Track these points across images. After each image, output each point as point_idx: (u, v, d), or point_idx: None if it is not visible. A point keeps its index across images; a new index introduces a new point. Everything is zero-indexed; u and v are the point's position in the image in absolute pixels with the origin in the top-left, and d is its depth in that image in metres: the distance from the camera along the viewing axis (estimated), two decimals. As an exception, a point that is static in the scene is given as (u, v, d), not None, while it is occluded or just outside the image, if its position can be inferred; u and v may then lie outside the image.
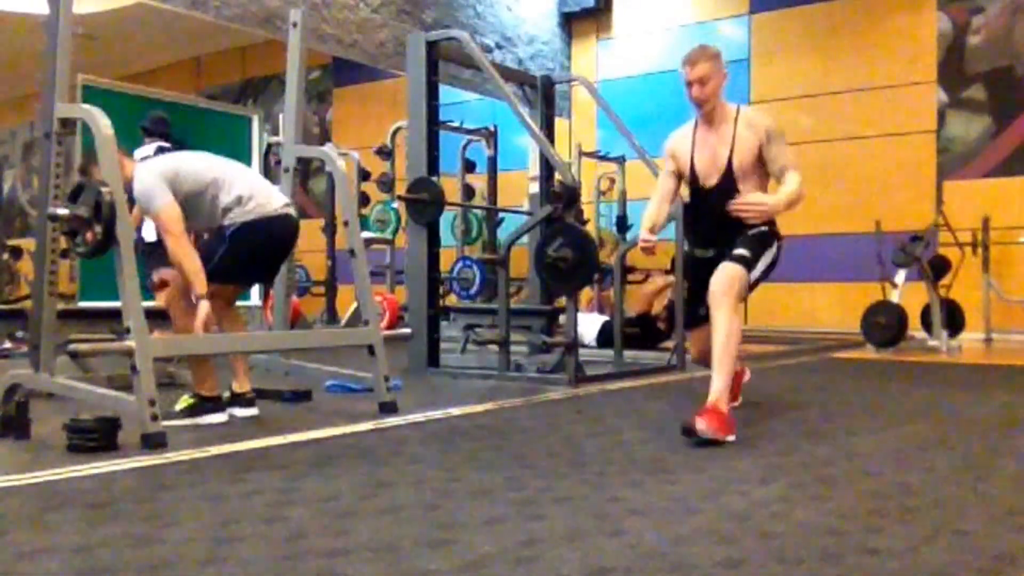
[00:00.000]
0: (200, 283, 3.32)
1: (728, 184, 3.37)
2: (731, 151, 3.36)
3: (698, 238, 3.68)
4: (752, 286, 3.37)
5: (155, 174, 3.38)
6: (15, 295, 10.98)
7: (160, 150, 5.71)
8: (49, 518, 2.02)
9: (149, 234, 5.09)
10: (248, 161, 7.48)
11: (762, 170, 3.41)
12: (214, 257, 3.48)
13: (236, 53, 13.65)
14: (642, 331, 6.43)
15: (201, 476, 2.46)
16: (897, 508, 2.11)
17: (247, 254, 3.53)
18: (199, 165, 3.53)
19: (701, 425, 2.85)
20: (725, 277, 3.18)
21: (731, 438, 2.94)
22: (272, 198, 3.59)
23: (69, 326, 4.39)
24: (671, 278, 6.66)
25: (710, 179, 3.43)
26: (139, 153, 5.72)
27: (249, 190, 3.52)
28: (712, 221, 3.46)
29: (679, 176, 3.58)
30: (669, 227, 5.83)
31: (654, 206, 3.61)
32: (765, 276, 3.42)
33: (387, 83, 11.30)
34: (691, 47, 3.41)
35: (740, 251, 3.26)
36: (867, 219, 8.24)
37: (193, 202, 3.44)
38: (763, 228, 3.38)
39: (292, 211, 3.66)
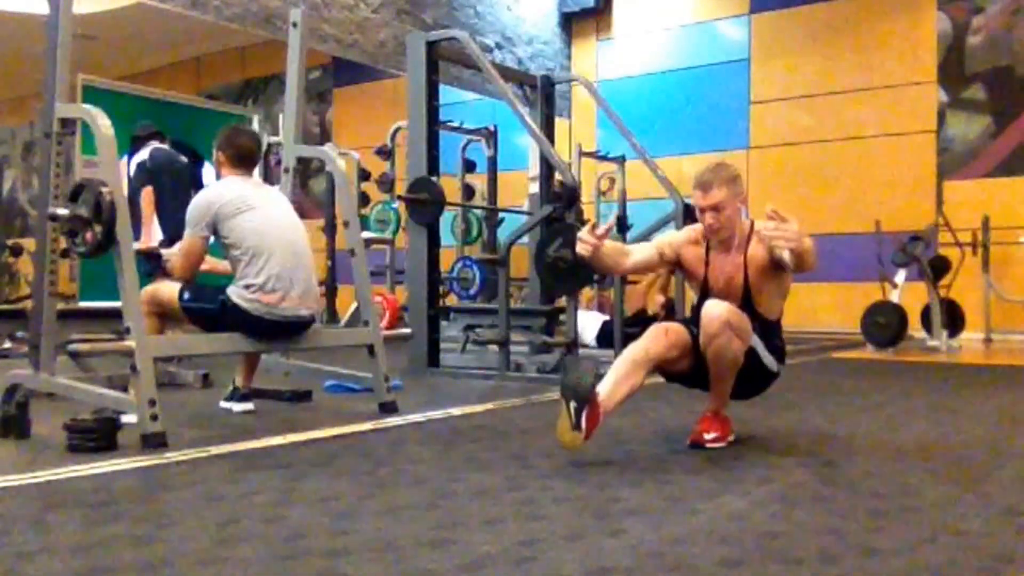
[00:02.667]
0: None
1: (745, 307, 2.91)
2: (745, 276, 2.95)
3: None
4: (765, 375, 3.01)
5: (204, 205, 3.48)
6: (15, 295, 10.99)
7: (156, 150, 5.74)
8: (49, 518, 2.02)
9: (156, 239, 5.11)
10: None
11: (777, 279, 2.98)
12: (204, 302, 3.49)
13: (236, 53, 13.65)
14: (641, 330, 6.43)
15: (201, 476, 2.46)
16: (897, 508, 2.11)
17: (226, 327, 3.46)
18: (248, 226, 3.46)
19: (709, 436, 2.87)
20: (720, 310, 2.85)
21: (731, 437, 2.95)
22: (290, 294, 3.46)
23: (69, 326, 4.39)
24: (652, 275, 6.67)
25: (725, 298, 2.95)
26: (136, 158, 5.74)
27: (274, 282, 3.43)
28: None
29: (672, 265, 3.17)
30: (669, 228, 5.88)
31: (616, 248, 3.10)
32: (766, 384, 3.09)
33: (387, 83, 11.30)
34: (705, 171, 2.93)
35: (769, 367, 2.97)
36: (867, 219, 8.24)
37: (226, 246, 3.51)
38: (772, 366, 3.00)
39: (305, 312, 3.54)
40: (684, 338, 2.88)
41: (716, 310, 2.80)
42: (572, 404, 2.56)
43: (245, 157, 3.66)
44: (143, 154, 5.67)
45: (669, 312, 6.81)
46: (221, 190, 3.57)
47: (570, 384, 2.59)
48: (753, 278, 2.94)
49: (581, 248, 2.85)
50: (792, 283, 3.06)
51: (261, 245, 3.43)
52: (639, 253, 3.11)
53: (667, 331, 2.88)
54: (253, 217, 3.47)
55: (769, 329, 2.99)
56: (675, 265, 3.15)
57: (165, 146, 5.82)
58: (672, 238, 3.17)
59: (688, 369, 2.95)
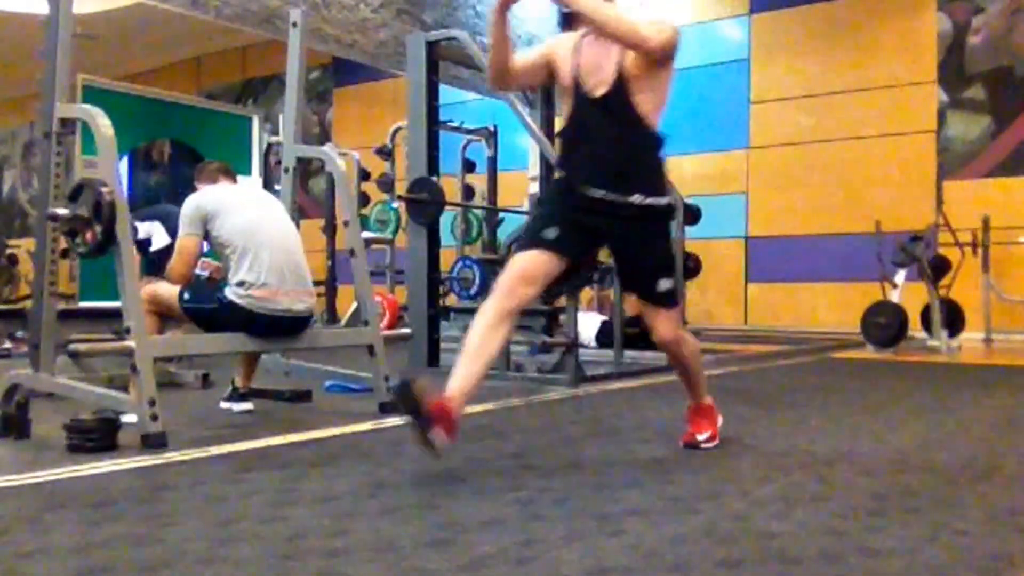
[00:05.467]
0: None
1: (619, 95, 2.61)
2: (620, 62, 2.61)
3: (579, 169, 2.71)
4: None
5: (193, 207, 3.55)
6: (15, 295, 10.99)
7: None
8: (49, 518, 2.02)
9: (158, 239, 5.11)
10: (248, 161, 7.49)
11: (653, 72, 2.61)
12: (202, 302, 3.51)
13: (236, 53, 13.66)
14: (641, 330, 6.42)
15: (201, 476, 2.46)
16: (897, 508, 2.11)
17: (225, 326, 3.48)
18: (237, 224, 3.50)
19: (702, 437, 2.86)
20: (667, 326, 2.75)
21: (720, 421, 2.94)
22: (283, 288, 3.48)
23: (69, 326, 4.39)
24: None
25: (598, 88, 2.64)
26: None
27: (265, 275, 3.45)
28: (599, 147, 2.67)
29: (547, 67, 2.80)
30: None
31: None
32: None
33: (387, 83, 11.31)
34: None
35: (663, 284, 2.72)
36: (867, 219, 8.24)
37: (217, 246, 3.55)
38: (662, 201, 2.69)
39: (300, 306, 3.55)
40: (545, 270, 2.62)
41: (663, 329, 2.74)
42: (418, 430, 2.35)
43: (221, 170, 3.85)
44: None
45: None
46: (209, 192, 3.67)
47: (406, 406, 2.35)
48: (629, 61, 2.59)
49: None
50: (668, 89, 2.68)
51: (250, 242, 3.47)
52: (523, 56, 2.78)
53: (523, 278, 2.58)
54: (241, 215, 3.52)
55: (648, 140, 2.67)
56: (550, 72, 2.80)
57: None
58: (546, 43, 2.88)
59: (565, 276, 2.72)
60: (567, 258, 2.66)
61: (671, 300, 2.76)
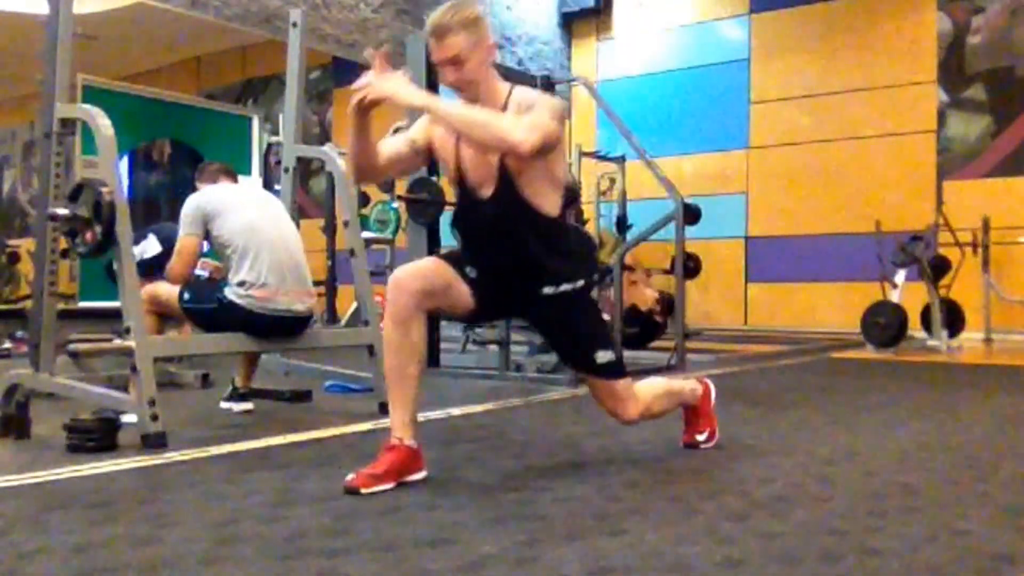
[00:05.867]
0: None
1: (508, 193, 2.39)
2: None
3: (484, 271, 2.50)
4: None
5: (193, 207, 3.55)
6: (15, 295, 10.98)
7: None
8: (49, 518, 2.02)
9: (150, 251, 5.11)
10: (248, 161, 7.48)
11: (547, 157, 2.36)
12: (202, 302, 3.52)
13: (236, 53, 13.65)
14: (640, 330, 6.43)
15: (201, 476, 2.46)
16: (897, 508, 2.11)
17: (225, 326, 3.48)
18: (237, 224, 3.50)
19: (701, 437, 2.84)
20: (624, 406, 2.56)
21: (712, 398, 2.87)
22: (283, 288, 3.49)
23: (69, 326, 4.39)
24: (641, 271, 6.62)
25: (484, 187, 2.43)
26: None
27: (265, 275, 3.45)
28: (499, 252, 2.47)
29: (425, 153, 2.54)
30: (669, 228, 5.88)
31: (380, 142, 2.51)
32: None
33: (387, 83, 11.28)
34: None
35: (602, 356, 2.50)
36: (867, 219, 8.24)
37: (218, 246, 3.56)
38: (578, 283, 2.49)
39: (300, 306, 3.56)
40: (445, 282, 2.42)
41: (620, 410, 2.56)
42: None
43: (222, 171, 3.86)
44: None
45: (666, 308, 6.76)
46: (210, 192, 3.68)
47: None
48: (508, 160, 2.36)
49: (358, 96, 2.28)
50: (562, 168, 2.48)
51: (250, 242, 3.46)
52: (389, 147, 2.50)
53: (418, 273, 2.37)
54: (242, 215, 3.52)
55: (551, 230, 2.46)
56: (429, 154, 2.55)
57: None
58: (425, 119, 2.54)
59: (474, 309, 2.49)
60: (475, 302, 2.47)
61: (616, 371, 2.53)
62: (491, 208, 2.42)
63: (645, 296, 6.64)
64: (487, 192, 2.42)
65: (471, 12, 2.36)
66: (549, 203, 2.44)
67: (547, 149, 2.28)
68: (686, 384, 2.82)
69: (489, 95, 2.41)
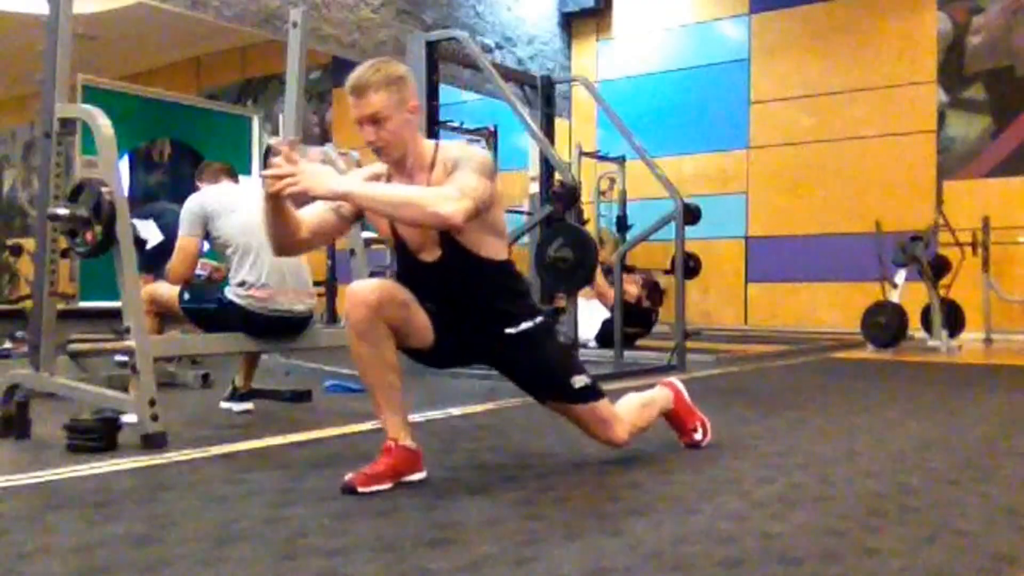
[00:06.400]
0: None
1: (453, 254, 2.35)
2: None
3: (439, 323, 2.44)
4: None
5: (194, 207, 3.58)
6: (15, 295, 10.98)
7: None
8: (49, 518, 2.02)
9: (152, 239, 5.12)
10: (248, 161, 7.48)
11: (489, 223, 2.36)
12: (202, 302, 3.53)
13: (236, 53, 13.64)
14: (641, 330, 6.44)
15: (201, 476, 2.46)
16: (897, 508, 2.11)
17: (225, 326, 3.49)
18: (237, 224, 3.51)
19: (698, 436, 2.83)
20: (609, 430, 2.51)
21: (685, 394, 2.85)
22: (283, 289, 3.50)
23: (69, 326, 4.39)
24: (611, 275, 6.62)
25: (426, 251, 2.38)
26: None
27: (266, 276, 3.46)
28: (452, 307, 2.43)
29: (353, 216, 2.46)
30: (669, 228, 5.88)
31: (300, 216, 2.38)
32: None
33: (387, 83, 11.27)
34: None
35: (578, 381, 2.46)
36: (867, 219, 8.24)
37: (218, 246, 3.58)
38: (537, 319, 2.48)
39: (300, 307, 3.57)
40: (403, 298, 2.35)
41: (606, 433, 2.51)
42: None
43: (223, 170, 3.88)
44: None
45: (653, 294, 6.75)
46: (210, 192, 3.70)
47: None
48: None
49: (270, 184, 2.14)
50: (502, 216, 2.42)
51: (251, 242, 3.46)
52: (311, 217, 2.40)
53: (382, 288, 2.31)
54: (243, 215, 3.52)
55: (501, 274, 2.44)
56: (357, 215, 2.47)
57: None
58: (361, 173, 2.52)
59: (431, 345, 2.42)
60: (435, 335, 2.41)
61: (595, 392, 2.48)
62: (438, 269, 2.38)
63: (628, 291, 6.61)
64: (430, 256, 2.38)
65: (394, 70, 2.30)
66: (495, 250, 2.41)
67: (482, 211, 2.24)
68: (654, 392, 2.79)
69: (415, 156, 2.36)
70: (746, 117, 10.12)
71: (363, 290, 2.29)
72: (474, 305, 2.43)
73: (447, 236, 2.33)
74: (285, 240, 2.36)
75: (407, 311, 2.34)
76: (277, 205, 2.25)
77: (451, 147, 2.40)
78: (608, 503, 2.14)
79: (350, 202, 2.22)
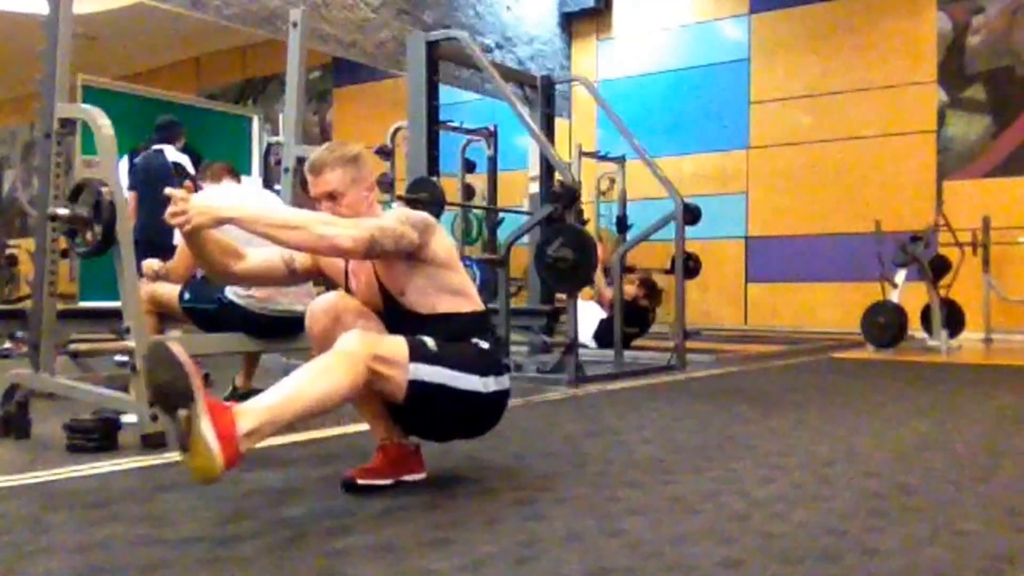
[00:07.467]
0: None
1: (395, 310, 2.34)
2: (375, 273, 2.34)
3: None
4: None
5: None
6: (15, 295, 10.98)
7: (157, 152, 5.80)
8: (49, 518, 2.02)
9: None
10: (248, 161, 7.48)
11: (419, 270, 2.30)
12: (202, 302, 3.53)
13: (236, 53, 13.65)
14: (641, 330, 6.44)
15: (201, 476, 2.46)
16: (897, 508, 2.11)
17: (225, 326, 3.48)
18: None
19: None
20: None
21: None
22: (282, 289, 3.42)
23: (69, 326, 4.39)
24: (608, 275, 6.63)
25: (370, 307, 2.40)
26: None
27: None
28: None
29: (310, 273, 2.52)
30: (669, 228, 5.88)
31: (228, 245, 2.38)
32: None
33: (387, 83, 11.30)
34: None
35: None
36: (867, 219, 8.24)
37: None
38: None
39: (300, 307, 3.44)
40: (348, 305, 2.35)
41: None
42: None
43: (226, 170, 3.91)
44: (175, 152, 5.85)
45: (651, 292, 6.75)
46: (211, 191, 3.73)
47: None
48: (384, 276, 2.32)
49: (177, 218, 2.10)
50: (459, 276, 2.37)
51: (251, 242, 3.45)
52: (258, 256, 2.42)
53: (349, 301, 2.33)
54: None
55: (443, 322, 2.31)
56: (316, 273, 2.54)
57: (160, 148, 5.88)
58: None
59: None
60: None
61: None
62: (388, 319, 2.35)
63: (625, 290, 6.61)
64: (377, 308, 2.37)
65: (350, 150, 2.36)
66: (446, 304, 2.34)
67: (384, 249, 2.18)
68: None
69: None
70: (746, 117, 10.13)
71: (320, 303, 2.34)
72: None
73: (383, 289, 2.33)
74: (213, 271, 2.40)
75: (365, 318, 2.35)
76: (194, 243, 2.28)
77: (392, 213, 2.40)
78: (608, 503, 2.14)
79: (236, 226, 2.14)
